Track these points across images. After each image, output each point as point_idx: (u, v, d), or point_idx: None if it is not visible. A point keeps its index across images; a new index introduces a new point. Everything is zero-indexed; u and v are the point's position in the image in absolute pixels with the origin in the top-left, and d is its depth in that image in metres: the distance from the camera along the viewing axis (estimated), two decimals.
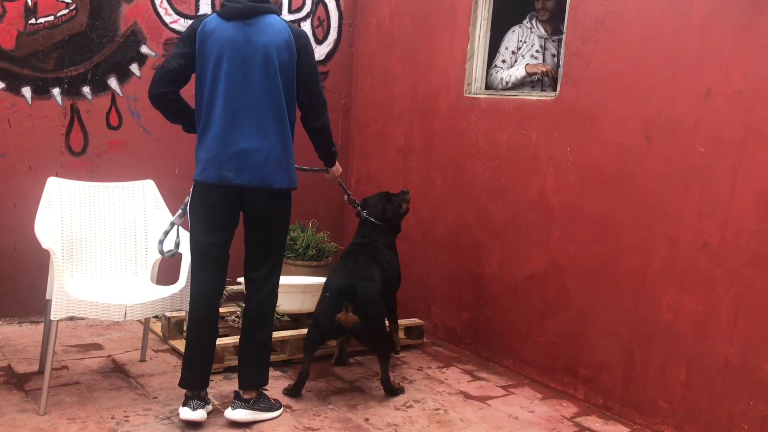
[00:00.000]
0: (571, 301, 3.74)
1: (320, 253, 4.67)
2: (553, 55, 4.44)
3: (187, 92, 3.14)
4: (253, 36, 3.01)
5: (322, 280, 3.90)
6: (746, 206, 3.02)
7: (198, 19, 3.13)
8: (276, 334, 3.75)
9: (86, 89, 4.39)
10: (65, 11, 4.26)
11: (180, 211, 3.27)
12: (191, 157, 3.17)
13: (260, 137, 3.04)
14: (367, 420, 3.34)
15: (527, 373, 3.99)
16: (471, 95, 4.31)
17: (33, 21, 4.18)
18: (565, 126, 3.75)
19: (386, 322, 3.76)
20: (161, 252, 3.36)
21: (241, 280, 3.33)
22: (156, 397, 3.41)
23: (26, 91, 4.23)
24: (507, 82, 4.39)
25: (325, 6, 5.13)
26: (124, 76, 4.48)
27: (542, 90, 4.28)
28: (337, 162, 3.55)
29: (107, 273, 3.68)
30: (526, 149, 3.96)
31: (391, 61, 4.89)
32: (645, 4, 3.38)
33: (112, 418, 3.17)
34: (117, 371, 3.71)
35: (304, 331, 3.80)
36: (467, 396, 3.71)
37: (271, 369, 3.41)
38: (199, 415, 3.11)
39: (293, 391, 3.53)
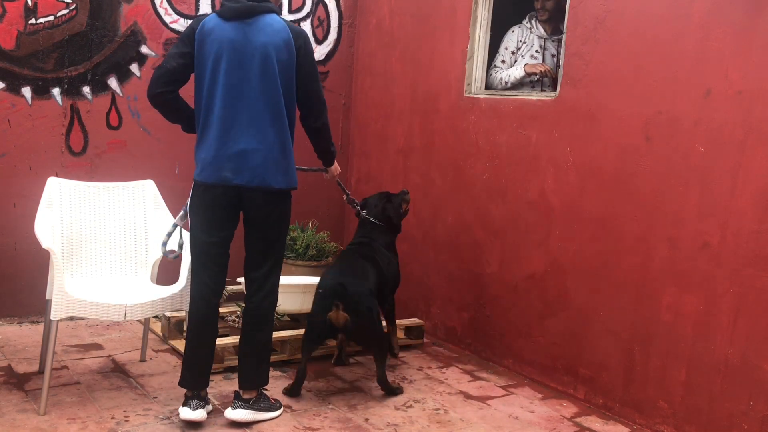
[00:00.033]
0: (571, 301, 3.74)
1: (320, 253, 4.67)
2: (553, 55, 4.44)
3: (187, 92, 3.14)
4: (251, 36, 3.01)
5: None
6: (746, 206, 3.03)
7: (197, 18, 3.12)
8: (276, 334, 3.75)
9: (86, 89, 4.39)
10: (65, 11, 4.26)
11: (182, 212, 3.27)
12: (191, 157, 3.17)
13: (259, 137, 3.04)
14: (367, 420, 3.34)
15: (527, 373, 3.99)
16: (471, 95, 4.31)
17: (33, 21, 4.18)
18: (565, 126, 3.75)
19: (383, 322, 3.74)
20: (165, 254, 3.36)
21: (241, 280, 3.33)
22: (156, 397, 3.41)
23: (26, 91, 4.23)
24: (506, 82, 4.39)
25: (325, 6, 5.13)
26: (124, 76, 4.48)
27: (542, 90, 4.28)
28: (335, 162, 3.55)
29: (107, 273, 3.68)
30: (526, 149, 3.96)
31: (391, 61, 4.89)
32: (645, 4, 3.38)
33: (112, 418, 3.17)
34: (117, 371, 3.71)
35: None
36: (467, 396, 3.71)
37: (271, 369, 3.41)
38: (199, 415, 3.11)
39: (292, 391, 3.53)
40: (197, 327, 3.18)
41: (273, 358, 3.68)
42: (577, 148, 3.70)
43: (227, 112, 3.03)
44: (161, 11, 4.54)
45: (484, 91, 4.33)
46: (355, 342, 3.86)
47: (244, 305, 3.30)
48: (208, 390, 3.27)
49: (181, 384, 3.18)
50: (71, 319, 4.26)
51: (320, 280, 3.65)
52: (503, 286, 4.11)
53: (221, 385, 3.59)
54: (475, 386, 3.85)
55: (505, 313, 4.11)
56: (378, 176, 5.02)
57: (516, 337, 4.05)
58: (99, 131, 4.45)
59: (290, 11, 5.00)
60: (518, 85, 4.36)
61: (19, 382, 3.48)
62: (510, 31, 4.52)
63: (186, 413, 3.10)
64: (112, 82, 4.45)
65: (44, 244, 3.17)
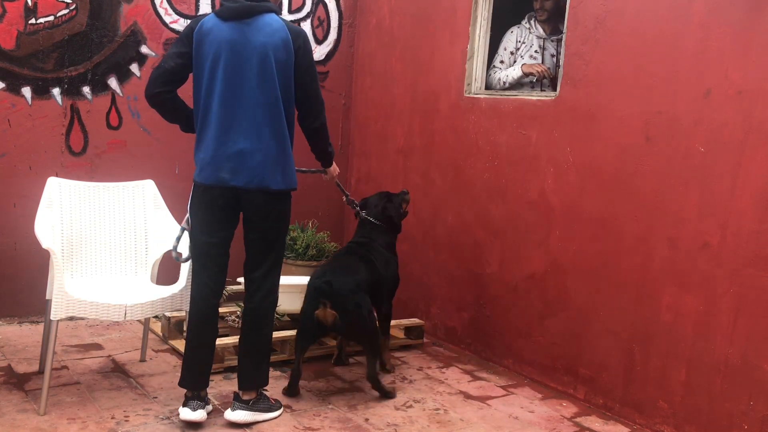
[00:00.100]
0: (571, 301, 3.74)
1: (320, 253, 4.66)
2: (552, 55, 4.44)
3: (187, 92, 3.14)
4: (250, 36, 3.00)
5: None
6: (746, 206, 3.02)
7: (196, 18, 3.11)
8: (276, 334, 3.75)
9: (86, 89, 4.39)
10: (65, 11, 4.26)
11: (188, 215, 3.25)
12: (191, 156, 3.16)
13: (257, 138, 3.03)
14: (367, 420, 3.34)
15: (527, 373, 3.99)
16: (471, 95, 4.31)
17: (33, 21, 4.18)
18: (565, 126, 3.75)
19: (376, 322, 3.68)
20: (177, 258, 3.33)
21: (241, 280, 3.33)
22: (156, 397, 3.41)
23: (26, 91, 4.23)
24: (504, 83, 4.39)
25: (325, 6, 5.13)
26: (124, 76, 4.48)
27: (541, 90, 4.28)
28: (334, 162, 3.54)
29: (107, 273, 3.68)
30: (526, 149, 3.96)
31: (391, 61, 4.89)
32: (645, 4, 3.38)
33: (112, 418, 3.17)
34: (117, 371, 3.71)
35: None
36: (467, 396, 3.71)
37: (271, 369, 3.40)
38: (199, 415, 3.11)
39: (290, 391, 3.53)
40: (197, 327, 3.17)
41: (273, 358, 3.68)
42: (577, 148, 3.70)
43: (225, 113, 3.02)
44: (161, 11, 4.54)
45: (484, 91, 4.33)
46: (347, 339, 3.85)
47: (243, 305, 3.29)
48: (208, 390, 3.27)
49: (181, 384, 3.18)
50: (71, 319, 4.26)
51: (310, 278, 3.65)
52: (503, 286, 4.11)
53: (221, 385, 3.59)
54: (475, 386, 3.85)
55: (505, 313, 4.11)
56: (378, 176, 5.02)
57: (516, 337, 4.05)
58: (99, 131, 4.45)
59: (290, 11, 5.00)
60: (516, 85, 4.36)
61: (19, 382, 3.48)
62: (509, 32, 4.52)
63: (186, 414, 3.10)
64: (112, 82, 4.45)
65: (44, 244, 3.17)
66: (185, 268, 3.42)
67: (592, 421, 3.49)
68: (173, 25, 4.58)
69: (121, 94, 4.48)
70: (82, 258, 3.62)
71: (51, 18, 4.23)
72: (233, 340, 3.75)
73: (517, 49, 4.47)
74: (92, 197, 3.69)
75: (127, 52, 4.47)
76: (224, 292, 3.63)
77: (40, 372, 3.54)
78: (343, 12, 5.19)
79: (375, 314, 3.66)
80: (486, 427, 3.36)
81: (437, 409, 3.51)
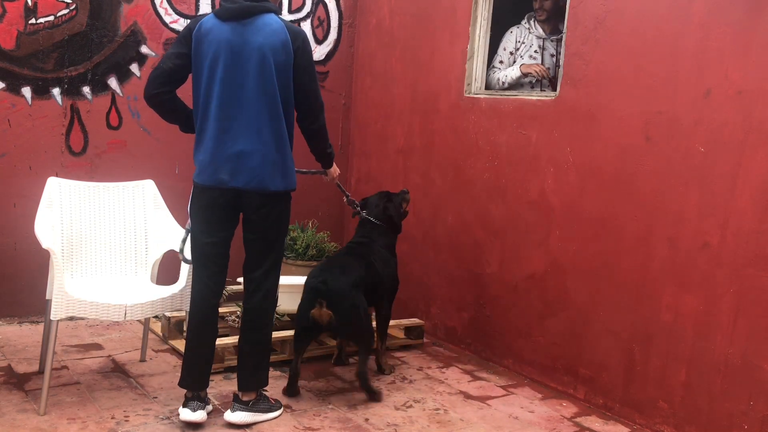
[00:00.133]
0: (571, 301, 3.74)
1: (320, 253, 4.66)
2: (552, 55, 4.44)
3: (186, 93, 3.13)
4: (249, 37, 2.98)
5: None
6: (746, 206, 3.03)
7: (195, 19, 3.10)
8: (276, 334, 3.75)
9: (86, 89, 4.39)
10: (65, 11, 4.26)
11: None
12: (191, 156, 3.16)
13: (255, 139, 3.02)
14: (367, 420, 3.34)
15: (527, 373, 3.99)
16: (471, 95, 4.31)
17: (33, 21, 4.18)
18: (565, 126, 3.75)
19: (371, 322, 3.68)
20: (184, 260, 3.33)
21: (242, 280, 3.32)
22: (156, 397, 3.41)
23: (26, 91, 4.23)
24: (503, 83, 4.40)
25: (325, 6, 5.13)
26: (124, 76, 4.48)
27: (541, 90, 4.29)
28: (334, 164, 3.53)
29: (107, 273, 3.68)
30: (526, 149, 3.96)
31: (391, 61, 4.89)
32: (645, 4, 3.38)
33: (112, 418, 3.17)
34: (117, 371, 3.71)
35: None
36: (467, 396, 3.71)
37: (271, 369, 3.40)
38: (199, 416, 3.10)
39: (290, 391, 3.53)
40: (197, 327, 3.17)
41: (273, 358, 3.67)
42: (577, 148, 3.70)
43: (224, 114, 3.01)
44: (161, 11, 4.54)
45: (484, 91, 4.33)
46: (342, 338, 3.84)
47: (243, 305, 3.29)
48: (208, 390, 3.26)
49: (181, 385, 3.17)
50: (71, 319, 4.26)
51: (307, 277, 3.64)
52: (503, 286, 4.11)
53: (221, 385, 3.59)
54: (475, 386, 3.85)
55: (505, 313, 4.11)
56: (378, 176, 5.02)
57: (516, 337, 4.05)
58: (99, 131, 4.45)
59: (290, 11, 5.00)
60: (515, 85, 4.36)
61: (19, 382, 3.48)
62: (508, 32, 4.52)
63: (186, 414, 3.09)
64: (112, 82, 4.45)
65: (44, 244, 3.17)
66: (185, 268, 3.42)
67: (592, 421, 3.49)
68: (173, 25, 4.58)
69: (121, 94, 4.48)
70: (82, 258, 3.62)
71: (51, 18, 4.23)
72: (233, 340, 3.75)
73: (517, 49, 4.47)
74: (92, 197, 3.69)
75: (127, 52, 4.47)
76: (224, 292, 3.63)
77: (40, 372, 3.54)
78: (343, 12, 5.19)
79: (370, 314, 3.65)
80: (486, 427, 3.36)
81: (437, 409, 3.51)
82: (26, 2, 4.14)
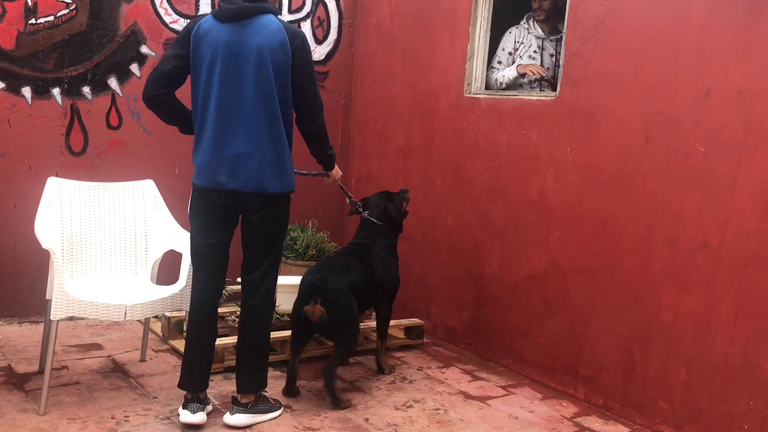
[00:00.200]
0: (571, 301, 3.74)
1: (320, 253, 4.66)
2: (552, 55, 4.44)
3: (186, 94, 3.13)
4: (247, 38, 2.97)
5: None
6: (746, 206, 3.03)
7: (194, 19, 3.09)
8: (276, 334, 3.76)
9: (86, 89, 4.39)
10: (65, 11, 4.26)
11: None
12: (191, 157, 3.16)
13: (253, 141, 3.01)
14: (367, 420, 3.34)
15: (527, 373, 3.99)
16: (471, 95, 4.31)
17: (33, 21, 4.18)
18: (565, 126, 3.75)
19: (359, 328, 3.64)
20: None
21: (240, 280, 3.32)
22: (156, 397, 3.41)
23: (26, 91, 4.23)
24: (501, 83, 4.40)
25: (325, 6, 5.13)
26: (124, 76, 4.48)
27: (541, 90, 4.29)
28: (336, 165, 3.50)
29: (107, 273, 3.68)
30: (526, 149, 3.96)
31: (391, 61, 4.89)
32: (645, 4, 3.38)
33: (112, 418, 3.17)
34: (117, 371, 3.71)
35: None
36: (467, 396, 3.71)
37: (270, 369, 3.41)
38: (199, 418, 3.10)
39: (288, 391, 3.53)
40: (196, 328, 3.17)
41: (273, 358, 3.68)
42: (577, 148, 3.70)
43: (222, 115, 3.00)
44: (161, 11, 4.54)
45: (484, 91, 4.33)
46: (327, 337, 3.75)
47: (241, 306, 3.27)
48: (208, 390, 3.26)
49: (181, 386, 3.17)
50: (71, 319, 4.26)
51: (304, 275, 3.62)
52: (503, 286, 4.11)
53: (221, 385, 3.59)
54: (475, 386, 3.85)
55: (505, 313, 4.11)
56: (378, 176, 5.02)
57: (516, 337, 4.05)
58: (99, 131, 4.45)
59: (290, 11, 5.00)
60: (513, 85, 4.36)
61: (19, 382, 3.48)
62: (507, 32, 4.52)
63: (186, 417, 3.09)
64: (112, 82, 4.46)
65: (44, 244, 3.17)
66: (185, 268, 3.42)
67: (592, 421, 3.49)
68: (173, 25, 4.58)
69: (121, 94, 4.48)
70: (82, 258, 3.62)
71: (51, 18, 4.23)
72: (233, 340, 3.74)
73: (516, 49, 4.47)
74: (92, 197, 3.69)
75: (127, 52, 4.47)
76: (224, 292, 3.63)
77: (40, 372, 3.54)
78: (343, 12, 5.19)
79: (359, 321, 3.63)
80: (486, 427, 3.36)
81: (437, 409, 3.51)
82: (26, 2, 4.14)
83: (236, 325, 3.96)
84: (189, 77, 3.10)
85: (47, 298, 3.36)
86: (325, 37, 5.16)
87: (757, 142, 2.98)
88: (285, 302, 3.86)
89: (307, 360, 3.88)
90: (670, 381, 3.30)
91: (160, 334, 4.20)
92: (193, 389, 3.14)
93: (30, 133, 4.26)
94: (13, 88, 4.19)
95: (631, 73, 3.44)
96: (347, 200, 3.93)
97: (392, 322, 4.09)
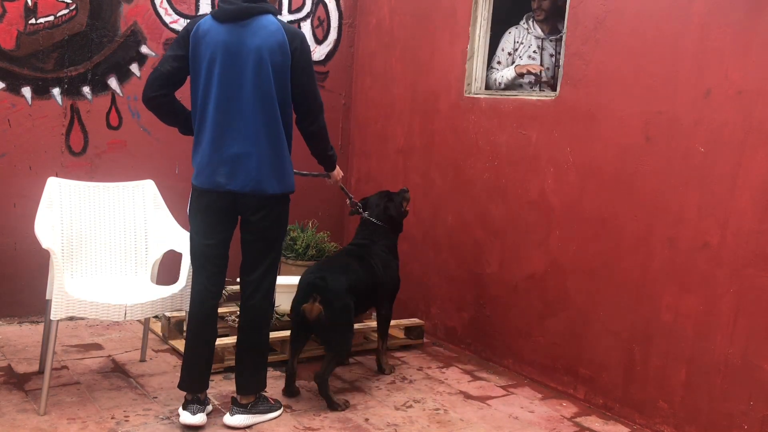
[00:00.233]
0: (571, 301, 3.74)
1: (320, 253, 4.66)
2: (551, 55, 4.44)
3: (185, 94, 3.13)
4: (246, 38, 2.96)
5: None
6: (746, 206, 3.03)
7: (193, 20, 3.09)
8: (276, 334, 3.76)
9: (86, 89, 4.39)
10: (65, 11, 4.26)
11: None
12: (191, 157, 3.16)
13: (252, 142, 3.00)
14: (367, 420, 3.34)
15: (527, 373, 3.99)
16: (471, 95, 4.31)
17: (33, 21, 4.18)
18: (565, 126, 3.75)
19: (353, 331, 3.60)
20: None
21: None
22: (156, 397, 3.41)
23: (26, 91, 4.23)
24: (500, 83, 4.40)
25: (325, 6, 5.13)
26: (124, 76, 4.48)
27: (540, 91, 4.29)
28: (337, 166, 3.49)
29: (107, 273, 3.68)
30: (526, 149, 3.96)
31: (391, 61, 4.89)
32: (645, 4, 3.38)
33: (112, 418, 3.17)
34: (117, 371, 3.71)
35: None
36: (467, 396, 3.71)
37: (270, 369, 3.41)
38: (199, 419, 3.10)
39: (288, 391, 3.53)
40: (196, 328, 3.17)
41: (273, 357, 3.68)
42: (577, 148, 3.70)
43: (221, 116, 3.00)
44: (161, 11, 4.54)
45: (484, 91, 4.33)
46: (321, 338, 3.68)
47: (240, 307, 3.27)
48: (208, 391, 3.26)
49: (181, 387, 3.17)
50: (71, 319, 4.26)
51: (303, 274, 3.61)
52: (503, 286, 4.11)
53: (221, 385, 3.58)
54: (475, 386, 3.85)
55: (505, 313, 4.11)
56: (378, 176, 5.02)
57: (516, 337, 4.05)
58: (99, 131, 4.45)
59: (290, 11, 5.00)
60: (511, 85, 4.36)
61: (19, 382, 3.48)
62: (507, 33, 4.52)
63: (186, 418, 3.09)
64: (112, 82, 4.46)
65: (44, 244, 3.17)
66: (185, 269, 3.42)
67: (592, 421, 3.49)
68: (173, 25, 4.58)
69: (121, 94, 4.48)
70: (82, 258, 3.62)
71: (51, 18, 4.23)
72: (233, 340, 3.73)
73: (516, 49, 4.47)
74: (92, 197, 3.69)
75: (127, 52, 4.47)
76: (224, 292, 3.62)
77: (40, 372, 3.54)
78: (343, 12, 5.19)
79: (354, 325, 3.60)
80: (486, 427, 3.36)
81: (437, 409, 3.51)
82: (26, 2, 4.14)
83: (236, 325, 3.97)
84: (188, 78, 3.10)
85: (47, 298, 3.36)
86: (325, 37, 5.16)
87: (757, 142, 2.98)
88: (284, 302, 3.86)
89: (307, 360, 3.87)
90: (670, 381, 3.30)
91: (160, 334, 4.20)
92: (193, 390, 3.14)
93: (30, 133, 4.26)
94: (13, 88, 4.19)
95: (631, 73, 3.44)
96: (348, 201, 3.92)
97: (392, 322, 4.08)
